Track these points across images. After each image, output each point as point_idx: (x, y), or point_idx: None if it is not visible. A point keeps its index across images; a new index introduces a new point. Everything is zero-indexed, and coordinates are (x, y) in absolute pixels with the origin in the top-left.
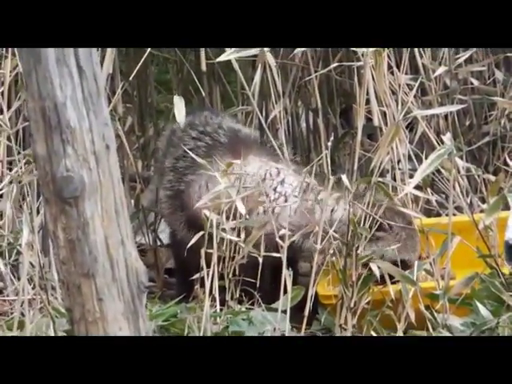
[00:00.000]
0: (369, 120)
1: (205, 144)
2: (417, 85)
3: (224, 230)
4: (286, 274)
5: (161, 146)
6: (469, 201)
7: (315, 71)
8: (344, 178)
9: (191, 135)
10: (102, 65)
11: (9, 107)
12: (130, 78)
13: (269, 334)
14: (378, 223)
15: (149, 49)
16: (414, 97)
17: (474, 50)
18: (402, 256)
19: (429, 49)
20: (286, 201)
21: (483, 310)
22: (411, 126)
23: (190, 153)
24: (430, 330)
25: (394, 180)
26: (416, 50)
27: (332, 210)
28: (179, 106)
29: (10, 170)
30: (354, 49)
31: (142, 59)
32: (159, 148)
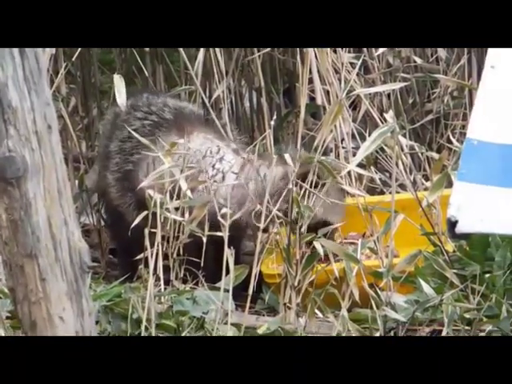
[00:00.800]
0: (312, 99)
1: (150, 122)
2: (359, 63)
3: (168, 209)
4: (228, 253)
5: (104, 129)
6: (412, 179)
7: (258, 50)
8: (287, 156)
9: (136, 116)
10: None
11: None
12: (73, 59)
13: (213, 313)
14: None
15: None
16: (357, 75)
17: None
18: (327, 216)
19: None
20: (223, 178)
21: (427, 288)
22: (354, 105)
23: (134, 133)
24: (374, 307)
25: (338, 158)
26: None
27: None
28: (119, 86)
29: None
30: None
31: None
32: (102, 132)
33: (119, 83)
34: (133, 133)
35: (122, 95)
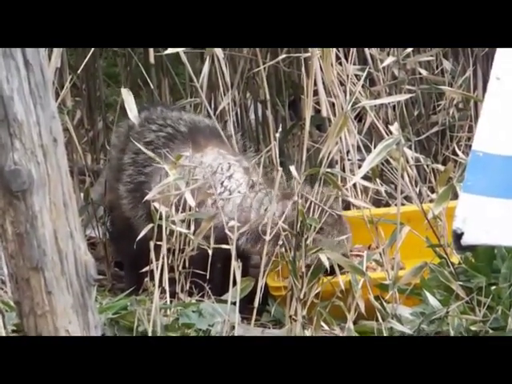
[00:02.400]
0: (317, 111)
1: (165, 134)
2: (364, 75)
3: (173, 222)
4: (235, 266)
5: (117, 141)
6: (418, 191)
7: (263, 63)
8: (292, 169)
9: (151, 128)
10: (49, 58)
11: None
12: (79, 72)
13: (219, 326)
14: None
15: None
16: (363, 87)
17: None
18: (340, 251)
19: None
20: (229, 195)
21: (432, 300)
22: (360, 117)
23: (144, 149)
24: (380, 320)
25: (343, 171)
26: None
27: (266, 209)
28: (128, 100)
29: None
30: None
31: (90, 52)
32: (114, 144)
33: (128, 97)
34: (141, 147)
35: (132, 108)
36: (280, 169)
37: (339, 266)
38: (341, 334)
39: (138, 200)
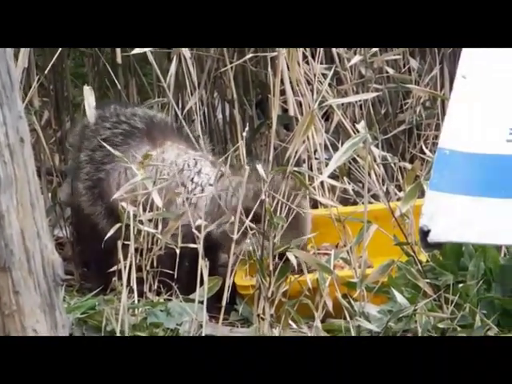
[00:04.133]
0: (285, 110)
1: (121, 131)
2: (331, 74)
3: (141, 221)
4: (203, 265)
5: (73, 141)
6: (385, 189)
7: (230, 62)
8: (259, 167)
9: (106, 126)
10: (16, 59)
11: None
12: (46, 72)
13: (187, 325)
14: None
15: None
16: (330, 86)
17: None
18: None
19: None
20: (202, 191)
21: (400, 298)
22: (327, 116)
23: (105, 144)
24: (348, 318)
25: (311, 169)
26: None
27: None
28: (89, 98)
29: None
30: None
31: (58, 53)
32: (71, 144)
33: (89, 95)
34: (104, 144)
35: (91, 106)
36: (247, 167)
37: (307, 264)
38: (309, 333)
39: (97, 197)
